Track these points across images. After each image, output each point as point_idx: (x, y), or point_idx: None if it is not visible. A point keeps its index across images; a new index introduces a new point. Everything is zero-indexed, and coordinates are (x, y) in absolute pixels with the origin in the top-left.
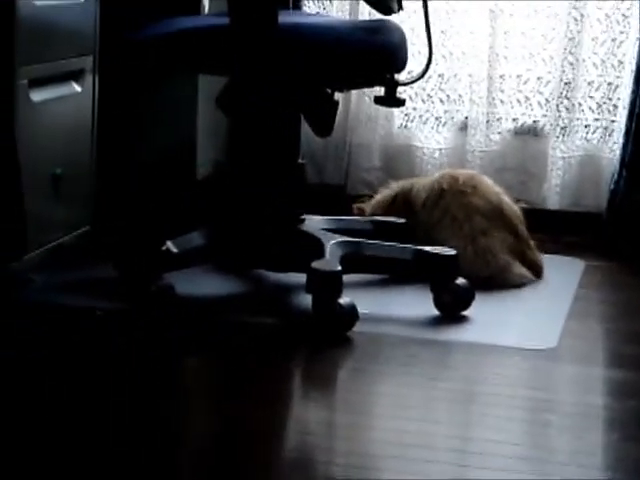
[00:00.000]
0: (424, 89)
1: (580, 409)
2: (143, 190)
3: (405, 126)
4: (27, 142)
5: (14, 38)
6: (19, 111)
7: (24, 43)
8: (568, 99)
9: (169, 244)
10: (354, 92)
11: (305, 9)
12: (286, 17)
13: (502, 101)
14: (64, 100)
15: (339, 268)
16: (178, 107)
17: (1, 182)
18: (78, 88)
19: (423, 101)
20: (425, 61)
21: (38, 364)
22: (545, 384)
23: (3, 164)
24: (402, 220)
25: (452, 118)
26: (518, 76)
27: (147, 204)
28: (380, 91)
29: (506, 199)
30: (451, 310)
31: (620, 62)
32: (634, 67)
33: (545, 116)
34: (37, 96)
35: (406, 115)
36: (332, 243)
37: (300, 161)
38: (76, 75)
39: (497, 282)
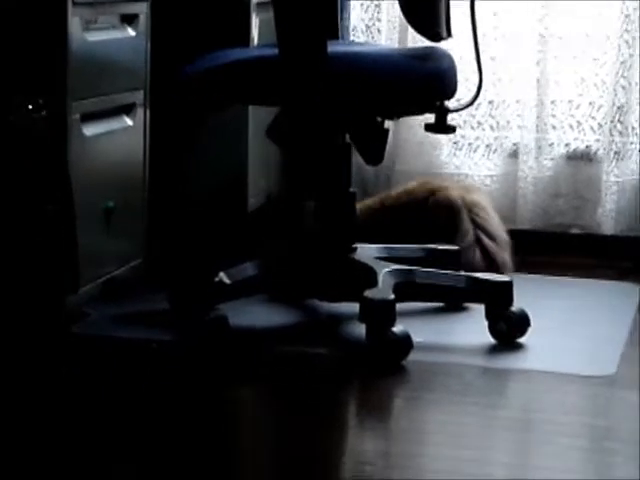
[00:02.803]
0: (473, 116)
1: None
2: (195, 222)
3: (454, 154)
4: (80, 176)
5: (66, 73)
6: (72, 146)
7: (76, 78)
8: (621, 123)
9: (222, 275)
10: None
11: (354, 38)
12: (335, 46)
13: (554, 126)
14: (116, 134)
15: (392, 297)
16: (229, 138)
17: (55, 217)
18: (130, 122)
19: (472, 128)
20: (475, 88)
21: (94, 398)
22: (605, 411)
23: (57, 198)
24: (455, 247)
25: (502, 145)
26: (570, 101)
27: (199, 236)
28: (430, 118)
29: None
30: (507, 338)
31: None
32: None
33: (598, 141)
34: (89, 130)
35: (455, 143)
36: (385, 271)
37: (351, 190)
38: (128, 109)
39: None
